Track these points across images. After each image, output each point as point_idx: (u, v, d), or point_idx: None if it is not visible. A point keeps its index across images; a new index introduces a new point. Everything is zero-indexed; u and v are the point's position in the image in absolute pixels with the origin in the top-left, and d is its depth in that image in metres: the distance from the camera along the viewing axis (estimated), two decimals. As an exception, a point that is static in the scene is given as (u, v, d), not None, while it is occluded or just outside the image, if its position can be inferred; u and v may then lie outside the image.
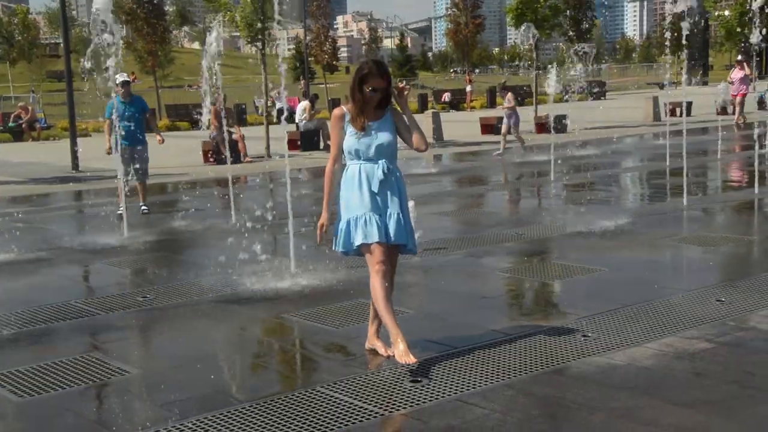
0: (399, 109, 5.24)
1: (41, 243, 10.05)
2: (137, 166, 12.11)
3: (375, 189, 5.05)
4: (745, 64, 23.90)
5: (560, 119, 25.06)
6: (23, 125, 32.50)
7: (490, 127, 25.83)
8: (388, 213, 5.09)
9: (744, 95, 23.61)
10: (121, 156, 11.68)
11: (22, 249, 9.52)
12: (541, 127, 25.07)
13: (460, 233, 10.07)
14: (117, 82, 11.92)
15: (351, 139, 5.10)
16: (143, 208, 12.28)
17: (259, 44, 21.23)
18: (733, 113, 23.52)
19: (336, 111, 5.18)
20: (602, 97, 49.08)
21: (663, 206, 11.04)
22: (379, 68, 5.04)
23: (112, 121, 11.91)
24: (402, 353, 5.04)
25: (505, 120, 19.88)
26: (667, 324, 5.81)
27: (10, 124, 32.94)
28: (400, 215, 5.10)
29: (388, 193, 5.10)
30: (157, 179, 14.95)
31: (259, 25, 19.29)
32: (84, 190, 16.29)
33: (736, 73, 23.66)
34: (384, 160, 5.09)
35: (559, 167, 14.88)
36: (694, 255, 8.23)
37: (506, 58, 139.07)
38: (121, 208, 11.26)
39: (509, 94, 20.41)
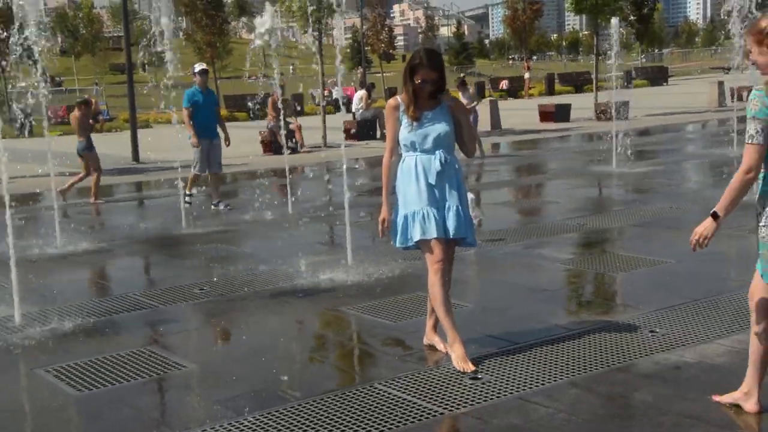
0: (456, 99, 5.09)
1: (102, 234, 10.15)
2: (214, 157, 11.81)
3: (432, 181, 4.90)
4: None
5: (621, 106, 24.52)
6: (86, 118, 33.11)
7: (548, 115, 25.42)
8: (446, 206, 4.94)
9: None
10: (200, 148, 11.48)
11: (83, 240, 9.61)
12: (602, 114, 24.57)
13: (519, 223, 9.88)
14: (195, 71, 11.74)
15: (406, 131, 4.95)
16: (225, 205, 11.73)
17: (315, 33, 21.20)
18: None
19: (390, 101, 5.05)
20: (664, 83, 48.06)
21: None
22: (430, 59, 4.86)
23: (191, 111, 11.56)
24: (459, 359, 4.87)
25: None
26: (740, 319, 5.56)
27: (74, 116, 33.58)
28: (459, 208, 4.95)
29: (446, 185, 4.94)
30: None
31: (315, 14, 19.23)
32: (144, 181, 16.47)
33: None
34: (441, 151, 4.93)
35: (620, 155, 14.52)
36: (765, 246, 7.90)
37: (564, 44, 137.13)
38: (188, 198, 11.33)
39: (471, 89, 18.04)
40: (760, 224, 3.84)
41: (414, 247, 5.06)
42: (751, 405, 4.09)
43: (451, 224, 4.92)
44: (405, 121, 4.95)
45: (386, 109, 5.04)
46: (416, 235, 4.91)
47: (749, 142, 3.68)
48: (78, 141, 13.38)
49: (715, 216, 3.84)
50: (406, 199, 4.96)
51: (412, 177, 4.93)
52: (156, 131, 27.04)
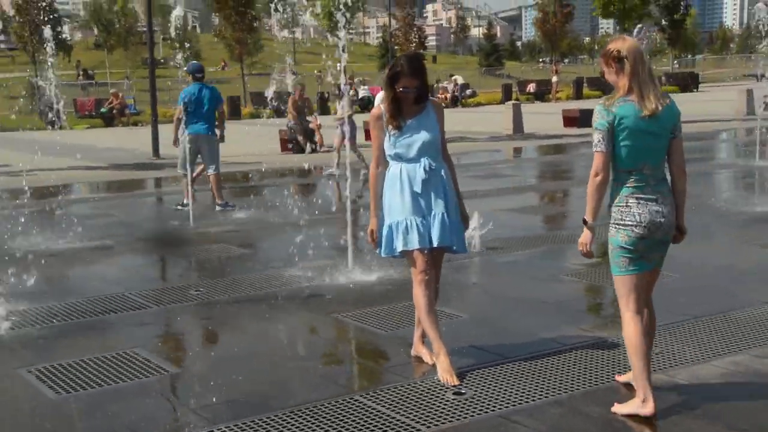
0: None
1: (107, 231, 10.14)
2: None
3: (418, 190, 4.80)
4: None
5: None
6: (114, 111, 33.43)
7: (572, 120, 25.15)
8: (432, 215, 4.84)
9: None
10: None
11: (87, 237, 9.61)
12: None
13: (528, 231, 9.69)
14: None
15: (390, 141, 4.86)
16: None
17: (339, 33, 21.09)
18: None
19: (374, 111, 4.95)
20: (695, 89, 47.46)
21: (746, 207, 10.41)
22: (411, 66, 4.76)
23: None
24: (444, 371, 4.78)
25: (338, 131, 15.54)
26: (740, 339, 5.40)
27: (102, 109, 33.87)
28: (445, 215, 4.84)
29: (432, 193, 4.84)
30: (231, 167, 15.01)
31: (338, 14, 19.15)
32: (161, 178, 16.48)
33: None
34: (426, 158, 4.83)
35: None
36: (777, 262, 7.67)
37: (597, 47, 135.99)
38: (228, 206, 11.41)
39: (343, 99, 15.86)
40: (610, 223, 4.26)
41: (400, 256, 4.97)
42: (648, 409, 4.20)
43: (435, 233, 4.82)
44: (390, 129, 4.85)
45: (370, 119, 4.95)
46: (399, 246, 4.83)
47: (594, 150, 4.15)
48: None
49: (585, 222, 4.25)
50: (390, 209, 4.88)
51: (396, 186, 4.84)
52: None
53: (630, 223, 4.17)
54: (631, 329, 4.23)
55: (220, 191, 11.60)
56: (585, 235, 4.24)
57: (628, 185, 4.17)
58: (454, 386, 4.69)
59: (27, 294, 6.91)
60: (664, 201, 4.23)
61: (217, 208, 11.44)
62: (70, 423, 4.43)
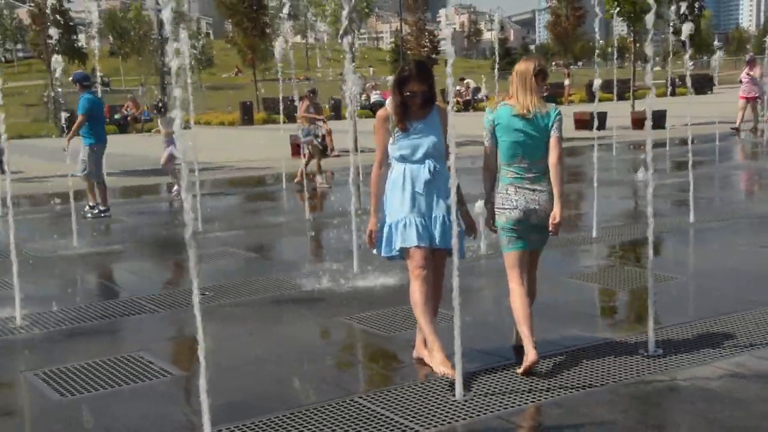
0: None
1: (117, 236, 10.23)
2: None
3: (420, 190, 4.85)
4: (754, 62, 21.63)
5: (657, 115, 24.07)
6: (128, 118, 33.72)
7: (584, 123, 25.09)
8: (433, 216, 4.88)
9: (755, 98, 21.25)
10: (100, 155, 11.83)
11: (97, 242, 9.70)
12: (638, 122, 24.19)
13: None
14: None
15: (396, 143, 4.92)
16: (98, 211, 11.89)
17: (348, 38, 21.16)
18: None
19: (380, 112, 5.01)
20: (710, 92, 47.12)
21: (749, 210, 10.37)
22: (419, 72, 4.85)
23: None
24: (439, 363, 4.81)
25: (167, 150, 13.95)
26: (743, 341, 5.39)
27: (116, 116, 34.11)
28: (447, 218, 4.88)
29: (435, 195, 4.88)
30: (238, 173, 15.09)
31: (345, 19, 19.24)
32: (173, 183, 16.51)
33: (746, 74, 21.49)
34: (431, 160, 4.88)
35: (656, 164, 14.21)
36: (783, 264, 7.65)
37: (613, 50, 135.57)
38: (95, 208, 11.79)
39: (165, 115, 14.61)
40: (497, 207, 5.02)
41: (399, 257, 5.01)
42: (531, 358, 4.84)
43: (437, 234, 4.86)
44: (395, 131, 4.90)
45: (376, 121, 5.01)
46: (398, 243, 4.88)
47: (484, 145, 5.03)
48: (302, 128, 14.81)
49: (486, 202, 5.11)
50: (391, 209, 4.94)
51: (399, 186, 4.90)
52: (197, 132, 27.26)
53: (508, 207, 4.96)
54: (516, 299, 5.03)
55: (99, 196, 11.98)
56: (485, 214, 5.16)
57: (508, 176, 4.97)
58: (452, 375, 4.67)
59: (37, 298, 6.99)
60: (542, 192, 4.96)
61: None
62: (74, 425, 4.49)
